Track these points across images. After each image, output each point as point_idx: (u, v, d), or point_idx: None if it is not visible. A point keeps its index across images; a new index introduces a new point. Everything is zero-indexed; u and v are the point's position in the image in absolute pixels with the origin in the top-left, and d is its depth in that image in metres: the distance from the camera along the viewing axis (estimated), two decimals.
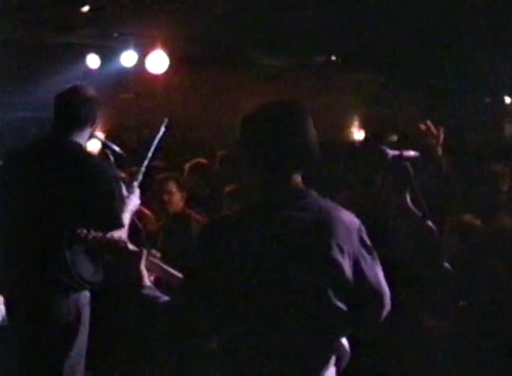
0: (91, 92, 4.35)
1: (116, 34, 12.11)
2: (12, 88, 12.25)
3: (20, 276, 4.15)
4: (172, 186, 5.79)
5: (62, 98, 4.30)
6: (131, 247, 3.26)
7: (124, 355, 5.64)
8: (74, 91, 4.31)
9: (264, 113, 2.80)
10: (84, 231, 3.35)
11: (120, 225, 4.11)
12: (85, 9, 10.12)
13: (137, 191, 4.60)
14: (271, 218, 2.66)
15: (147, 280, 3.09)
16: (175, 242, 5.50)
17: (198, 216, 5.79)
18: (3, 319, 5.28)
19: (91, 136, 4.46)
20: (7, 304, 4.38)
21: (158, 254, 3.33)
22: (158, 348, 5.29)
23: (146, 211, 6.11)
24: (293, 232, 2.65)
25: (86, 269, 4.12)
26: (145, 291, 3.02)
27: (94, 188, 4.08)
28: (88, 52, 12.51)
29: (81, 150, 4.29)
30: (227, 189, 6.05)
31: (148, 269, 3.16)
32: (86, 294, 4.20)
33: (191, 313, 2.71)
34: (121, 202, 4.27)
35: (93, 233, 3.35)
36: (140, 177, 4.74)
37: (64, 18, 10.71)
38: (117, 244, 3.30)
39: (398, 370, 4.46)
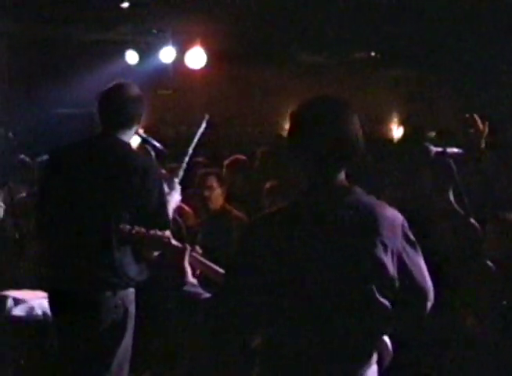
0: (136, 89, 4.31)
1: (154, 31, 12.15)
2: (52, 85, 12.33)
3: (69, 274, 4.15)
4: (213, 182, 5.77)
5: (108, 95, 4.27)
6: (174, 242, 3.25)
7: (163, 351, 5.66)
8: (120, 88, 4.27)
9: (311, 109, 2.76)
10: (128, 226, 3.34)
11: (169, 225, 4.11)
12: (124, 5, 10.17)
13: (178, 187, 4.58)
14: (316, 217, 2.63)
15: (190, 276, 3.07)
16: (215, 238, 5.49)
17: (238, 213, 5.76)
18: (44, 314, 5.34)
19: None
20: (52, 300, 4.39)
21: (200, 250, 3.32)
22: (197, 344, 5.29)
23: (186, 208, 6.11)
24: (337, 230, 2.62)
25: (133, 268, 4.12)
26: (187, 288, 3.00)
27: (143, 187, 4.06)
28: (127, 48, 12.55)
29: (129, 148, 4.30)
30: (267, 185, 6.03)
31: (191, 265, 3.15)
32: (132, 291, 4.21)
33: (232, 311, 2.69)
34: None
35: (136, 229, 3.34)
36: (181, 173, 4.73)
37: (103, 15, 10.77)
38: (161, 240, 3.30)
39: (440, 369, 4.42)
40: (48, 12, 10.42)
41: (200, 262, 3.30)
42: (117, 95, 4.25)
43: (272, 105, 15.34)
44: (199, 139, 4.96)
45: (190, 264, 3.15)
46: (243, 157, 7.38)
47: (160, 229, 3.79)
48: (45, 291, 5.47)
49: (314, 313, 2.61)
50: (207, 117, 5.03)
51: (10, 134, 6.39)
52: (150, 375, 5.69)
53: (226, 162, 7.12)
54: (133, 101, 4.24)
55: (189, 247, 3.18)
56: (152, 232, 3.34)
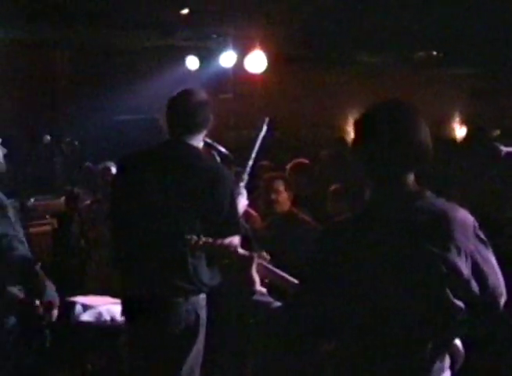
0: (203, 94, 4.33)
1: (215, 35, 12.19)
2: (114, 92, 12.46)
3: (143, 281, 4.18)
4: (280, 185, 5.74)
5: (176, 101, 4.30)
6: (241, 251, 3.23)
7: (232, 358, 5.66)
8: (189, 94, 4.29)
9: (380, 113, 2.73)
10: (195, 237, 3.34)
11: (240, 230, 4.12)
12: (185, 11, 10.23)
13: (244, 192, 4.59)
14: (387, 224, 2.60)
15: (259, 285, 3.05)
16: (282, 242, 5.47)
17: (305, 216, 5.74)
18: (112, 319, 5.40)
19: None
20: (125, 306, 4.44)
21: (268, 257, 3.29)
22: (266, 352, 5.28)
23: (252, 212, 6.11)
24: (410, 236, 2.58)
25: (206, 273, 4.12)
26: (256, 297, 2.98)
27: (215, 193, 4.07)
28: (188, 53, 12.62)
29: (200, 153, 4.31)
30: (331, 188, 6.01)
31: (259, 273, 3.12)
32: (203, 297, 4.22)
33: (305, 321, 2.67)
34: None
35: (203, 239, 3.33)
36: (246, 177, 4.73)
37: (164, 21, 10.84)
38: (228, 249, 3.28)
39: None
40: (109, 20, 10.53)
41: (268, 269, 3.26)
42: (185, 100, 4.27)
43: (333, 107, 15.31)
44: (261, 143, 4.95)
45: (258, 272, 3.13)
46: (306, 161, 7.36)
47: (232, 234, 3.87)
48: (116, 297, 5.55)
49: (389, 321, 2.58)
50: (267, 119, 5.01)
51: (76, 142, 6.47)
52: None
53: (289, 166, 7.10)
54: (201, 106, 4.24)
55: (256, 256, 3.16)
56: (219, 241, 3.33)
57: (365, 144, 2.71)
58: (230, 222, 4.09)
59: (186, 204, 4.05)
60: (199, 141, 4.30)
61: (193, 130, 4.24)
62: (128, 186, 4.30)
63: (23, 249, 4.44)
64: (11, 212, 4.56)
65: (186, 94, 4.30)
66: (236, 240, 3.90)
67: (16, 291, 4.49)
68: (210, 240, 3.34)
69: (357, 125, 2.76)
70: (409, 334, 2.58)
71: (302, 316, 2.67)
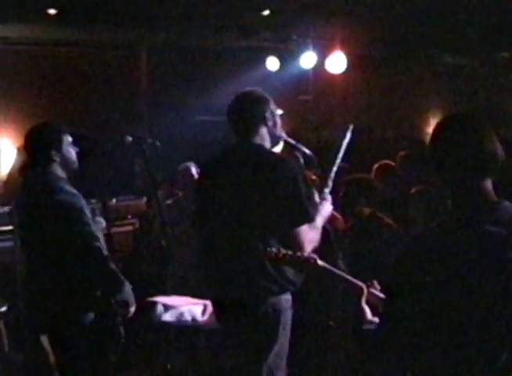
0: (257, 92, 4.42)
1: (295, 37, 12.17)
2: (194, 93, 12.55)
3: (226, 282, 4.23)
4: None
5: (232, 104, 4.40)
6: (320, 263, 3.22)
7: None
8: (242, 95, 4.42)
9: (457, 122, 2.77)
10: (274, 249, 3.34)
11: (310, 219, 4.10)
12: (266, 12, 10.25)
13: (329, 197, 4.59)
14: (468, 233, 2.58)
15: (370, 314, 3.03)
16: (365, 245, 5.45)
17: (387, 219, 5.68)
18: (193, 320, 5.43)
19: (278, 138, 4.49)
20: (214, 307, 4.53)
21: (378, 287, 3.21)
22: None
23: (335, 214, 6.08)
24: (489, 248, 2.55)
25: (289, 270, 4.12)
26: (366, 326, 2.96)
27: (286, 185, 4.07)
28: (268, 55, 12.62)
29: (263, 150, 4.32)
30: (413, 190, 5.95)
31: (370, 302, 3.09)
32: (287, 298, 4.20)
33: (393, 339, 2.64)
34: (309, 198, 4.26)
35: (283, 252, 3.33)
36: (330, 183, 4.72)
37: (245, 22, 10.88)
38: (307, 261, 3.27)
39: None
40: (190, 21, 10.61)
41: (380, 298, 3.20)
42: (238, 101, 4.40)
43: (413, 108, 15.14)
44: (345, 150, 4.94)
45: (369, 302, 3.10)
46: (392, 163, 7.29)
47: (302, 223, 3.95)
48: (196, 297, 5.59)
49: (467, 332, 2.53)
50: (351, 127, 4.99)
51: (157, 142, 6.51)
52: None
53: (375, 167, 7.05)
54: (254, 103, 4.34)
55: (365, 287, 3.14)
56: (298, 254, 3.34)
57: (440, 152, 2.72)
58: (299, 210, 4.07)
59: (262, 202, 4.07)
60: (263, 138, 4.34)
61: (251, 128, 4.32)
62: (207, 191, 4.40)
63: (99, 248, 4.54)
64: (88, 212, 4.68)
65: (239, 95, 4.41)
66: (308, 243, 3.91)
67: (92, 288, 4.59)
68: (290, 252, 3.34)
69: (433, 134, 2.79)
70: (488, 343, 2.53)
71: (390, 333, 2.64)
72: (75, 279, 4.57)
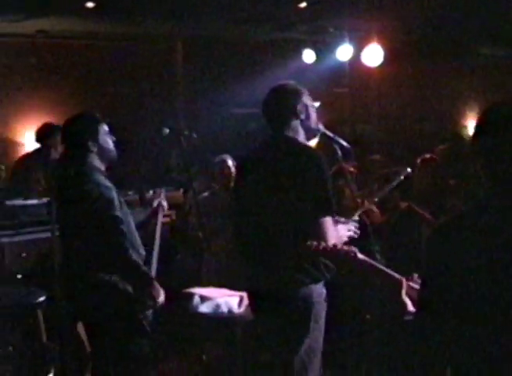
0: (289, 85, 4.45)
1: (331, 29, 12.14)
2: (229, 85, 12.57)
3: (263, 273, 4.25)
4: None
5: (265, 98, 4.43)
6: (360, 256, 3.22)
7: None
8: (274, 88, 4.45)
9: (498, 110, 2.67)
10: (314, 242, 3.35)
11: (333, 213, 4.08)
12: (302, 5, 10.22)
13: (352, 224, 4.54)
14: (498, 222, 2.54)
15: (410, 306, 3.02)
16: (402, 239, 5.44)
17: (424, 212, 5.67)
18: (230, 311, 5.45)
19: (315, 130, 4.49)
20: (250, 298, 4.57)
21: (419, 280, 3.21)
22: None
23: (372, 207, 6.08)
24: None
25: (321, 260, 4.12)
26: (407, 317, 2.96)
27: (312, 177, 4.09)
28: (304, 47, 12.61)
29: (296, 143, 4.33)
30: (450, 183, 5.94)
31: (411, 295, 3.09)
32: (320, 291, 4.21)
33: (427, 330, 2.63)
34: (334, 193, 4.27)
35: (323, 244, 3.34)
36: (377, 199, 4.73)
37: (281, 14, 10.86)
38: (348, 254, 3.28)
39: None
40: (227, 13, 10.62)
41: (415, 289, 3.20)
42: (271, 94, 4.42)
43: (450, 101, 15.03)
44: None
45: (410, 295, 3.10)
46: (435, 156, 7.25)
47: (325, 215, 3.94)
48: (232, 288, 5.61)
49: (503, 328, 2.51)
50: (407, 171, 5.01)
51: (194, 134, 6.54)
52: None
53: (420, 160, 7.02)
54: (286, 96, 4.37)
55: (404, 280, 3.14)
56: (339, 246, 3.33)
57: (484, 141, 2.65)
58: (323, 201, 4.07)
59: (291, 194, 4.10)
60: (295, 131, 4.35)
61: (283, 121, 4.34)
62: (243, 184, 4.47)
63: (122, 242, 4.60)
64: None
65: (273, 88, 4.45)
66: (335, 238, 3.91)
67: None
68: (330, 244, 3.34)
69: (477, 122, 2.70)
70: None
71: (424, 324, 2.62)
72: (107, 269, 4.63)
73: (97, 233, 4.58)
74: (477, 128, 2.69)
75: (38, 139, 7.87)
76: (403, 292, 3.07)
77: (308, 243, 3.35)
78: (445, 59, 14.51)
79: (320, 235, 3.89)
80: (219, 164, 7.52)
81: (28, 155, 8.27)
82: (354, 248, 3.38)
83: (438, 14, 10.87)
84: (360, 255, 3.23)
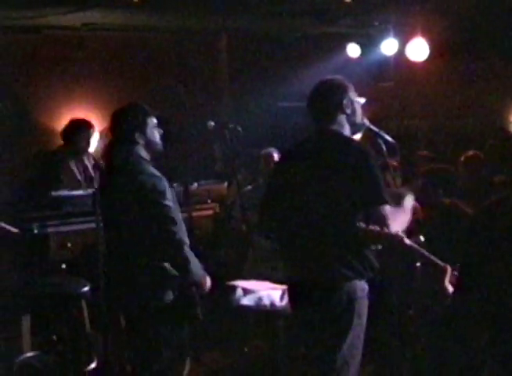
0: (336, 80, 4.47)
1: (376, 23, 12.07)
2: (274, 79, 12.57)
3: (302, 267, 4.28)
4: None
5: (310, 92, 4.45)
6: (407, 241, 3.23)
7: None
8: (319, 83, 4.46)
9: None
10: (363, 224, 3.36)
11: (385, 201, 4.02)
12: None
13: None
14: None
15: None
16: (444, 233, 5.41)
17: (467, 209, 5.63)
18: (272, 305, 5.47)
19: (360, 125, 4.49)
20: (289, 291, 4.56)
21: None
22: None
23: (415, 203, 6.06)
24: None
25: (369, 254, 4.12)
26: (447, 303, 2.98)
27: (361, 169, 4.09)
28: (349, 41, 12.57)
29: (342, 136, 4.36)
30: (496, 180, 5.89)
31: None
32: (363, 287, 4.20)
33: (465, 311, 2.64)
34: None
35: (370, 227, 3.34)
36: None
37: (327, 8, 10.83)
38: (395, 238, 3.29)
39: None
40: (272, 7, 10.61)
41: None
42: (316, 89, 4.44)
43: (496, 96, 14.85)
44: None
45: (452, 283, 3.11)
46: (479, 154, 7.20)
47: (378, 204, 3.92)
48: (274, 282, 5.63)
49: None
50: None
51: (239, 128, 6.56)
52: None
53: (463, 157, 6.97)
54: (331, 91, 4.39)
55: (449, 267, 3.15)
56: (385, 230, 3.34)
57: None
58: (374, 191, 4.05)
59: (338, 187, 4.11)
60: (341, 125, 4.37)
61: (329, 116, 4.37)
62: (285, 177, 4.46)
63: (174, 231, 4.62)
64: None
65: (318, 83, 4.47)
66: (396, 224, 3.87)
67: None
68: (378, 228, 3.35)
69: None
70: None
71: (463, 305, 2.64)
72: (154, 259, 4.66)
73: (149, 223, 4.62)
74: None
75: (66, 137, 7.99)
76: (446, 279, 3.08)
77: (358, 224, 3.37)
78: (493, 54, 14.36)
79: (381, 222, 3.87)
80: (265, 158, 7.53)
81: (58, 149, 8.33)
82: (401, 233, 3.40)
83: (483, 8, 10.76)
84: (407, 240, 3.26)
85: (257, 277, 6.11)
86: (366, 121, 4.55)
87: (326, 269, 4.13)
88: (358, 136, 4.65)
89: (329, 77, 4.51)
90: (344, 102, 4.34)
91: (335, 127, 4.34)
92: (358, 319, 4.18)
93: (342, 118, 4.36)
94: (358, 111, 4.45)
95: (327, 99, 4.36)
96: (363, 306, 4.21)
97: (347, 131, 4.39)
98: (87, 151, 7.96)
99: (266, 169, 7.39)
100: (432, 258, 3.27)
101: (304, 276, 4.26)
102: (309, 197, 4.22)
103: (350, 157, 4.11)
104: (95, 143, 9.84)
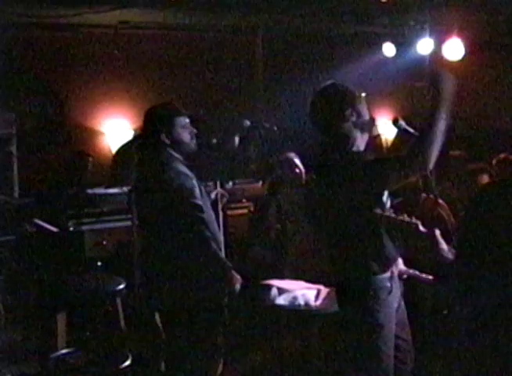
0: (334, 90, 4.37)
1: (412, 23, 12.02)
2: (311, 78, 12.55)
3: (340, 266, 4.24)
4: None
5: (311, 102, 4.43)
6: (422, 229, 3.29)
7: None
8: (319, 93, 4.41)
9: None
10: (379, 211, 3.40)
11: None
12: None
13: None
14: None
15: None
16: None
17: None
18: (306, 304, 5.47)
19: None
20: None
21: None
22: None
23: (440, 201, 6.04)
24: None
25: (390, 249, 4.10)
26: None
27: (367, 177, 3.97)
28: (384, 40, 12.52)
29: (345, 137, 4.27)
30: None
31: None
32: (383, 277, 4.13)
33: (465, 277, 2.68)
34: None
35: (387, 213, 3.39)
36: None
37: (363, 7, 10.81)
38: (409, 226, 3.34)
39: None
40: (307, 6, 10.61)
41: None
42: (316, 100, 4.41)
43: None
44: None
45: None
46: (510, 156, 7.15)
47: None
48: (309, 281, 5.63)
49: None
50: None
51: (274, 127, 6.56)
52: None
53: (496, 160, 6.93)
54: (329, 100, 4.31)
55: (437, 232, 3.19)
56: (400, 217, 3.39)
57: None
58: (393, 169, 3.93)
59: (353, 197, 3.98)
60: (347, 131, 4.27)
61: (332, 128, 4.29)
62: (313, 186, 4.39)
63: (202, 231, 4.65)
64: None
65: (318, 93, 4.44)
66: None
67: None
68: (394, 215, 3.39)
69: None
70: None
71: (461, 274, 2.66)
72: (185, 258, 4.68)
73: (178, 222, 4.64)
74: None
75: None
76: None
77: (375, 211, 3.41)
78: None
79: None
80: (287, 164, 7.48)
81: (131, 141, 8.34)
82: (417, 221, 3.45)
83: None
84: (421, 228, 3.31)
85: (291, 276, 6.12)
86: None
87: (353, 264, 4.12)
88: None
89: (328, 83, 4.44)
90: (347, 113, 4.26)
91: (339, 137, 4.26)
92: (384, 317, 4.14)
93: (346, 125, 4.27)
94: (364, 111, 4.34)
95: (328, 112, 4.30)
96: (387, 304, 4.17)
97: (355, 136, 4.29)
98: None
99: (291, 175, 7.33)
100: (419, 228, 3.33)
101: (338, 275, 4.25)
102: (332, 207, 4.13)
103: (349, 173, 4.03)
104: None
